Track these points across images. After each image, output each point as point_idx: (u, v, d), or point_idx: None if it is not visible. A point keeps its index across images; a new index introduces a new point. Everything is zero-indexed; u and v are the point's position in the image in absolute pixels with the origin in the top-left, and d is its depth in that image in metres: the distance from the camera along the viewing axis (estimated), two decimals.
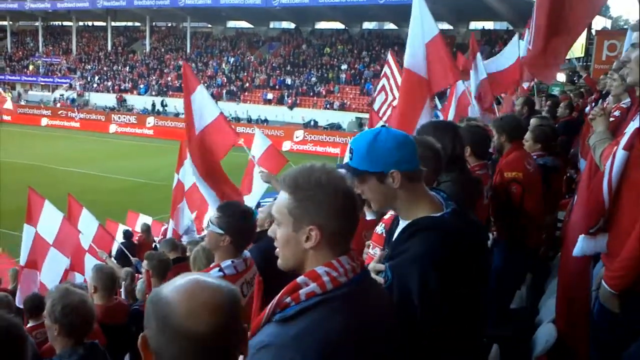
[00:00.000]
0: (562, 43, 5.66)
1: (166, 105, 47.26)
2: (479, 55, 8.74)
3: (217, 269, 3.23)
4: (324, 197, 1.72)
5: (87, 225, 9.34)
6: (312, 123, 42.31)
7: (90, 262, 8.33)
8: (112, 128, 45.03)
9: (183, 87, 7.84)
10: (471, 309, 2.13)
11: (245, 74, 49.95)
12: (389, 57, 12.34)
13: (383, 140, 2.09)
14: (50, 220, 8.34)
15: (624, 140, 2.64)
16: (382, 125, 2.59)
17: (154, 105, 48.39)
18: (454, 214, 2.12)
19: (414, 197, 2.13)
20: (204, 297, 1.33)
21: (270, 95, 46.59)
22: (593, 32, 21.86)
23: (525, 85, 10.20)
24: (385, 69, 12.02)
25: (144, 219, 14.59)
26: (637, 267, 2.53)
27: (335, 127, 41.17)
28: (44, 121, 47.50)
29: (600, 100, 7.50)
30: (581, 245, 2.85)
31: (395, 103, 10.50)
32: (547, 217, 5.36)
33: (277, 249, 1.83)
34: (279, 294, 1.70)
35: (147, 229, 12.10)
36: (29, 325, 5.17)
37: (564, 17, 5.44)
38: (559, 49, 5.64)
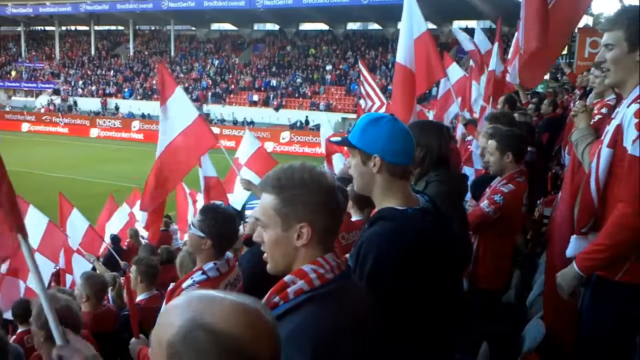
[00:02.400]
0: (552, 49, 5.54)
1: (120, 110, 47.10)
2: (496, 45, 8.80)
3: (200, 272, 3.22)
4: (310, 194, 1.73)
5: (77, 225, 9.30)
6: (297, 124, 42.35)
7: (77, 262, 8.29)
8: (97, 132, 44.78)
9: (160, 91, 7.56)
10: (439, 307, 2.16)
11: (230, 76, 49.83)
12: (360, 65, 12.54)
13: (382, 125, 2.16)
14: (34, 225, 8.23)
15: (607, 138, 2.66)
16: (392, 114, 2.61)
17: (103, 106, 48.57)
18: (421, 211, 2.16)
19: (390, 189, 2.19)
20: (262, 322, 1.21)
21: (255, 97, 46.51)
22: (575, 29, 21.97)
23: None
24: (361, 77, 12.21)
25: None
26: (614, 252, 2.57)
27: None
28: (28, 127, 47.10)
29: (583, 97, 7.57)
30: (574, 245, 2.86)
31: (374, 108, 10.72)
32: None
33: (265, 253, 1.83)
34: (267, 294, 1.71)
35: (134, 233, 12.02)
36: (19, 330, 5.12)
37: (553, 21, 5.36)
38: (549, 54, 5.52)
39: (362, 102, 12.45)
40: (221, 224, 3.25)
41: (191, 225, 3.32)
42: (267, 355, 1.18)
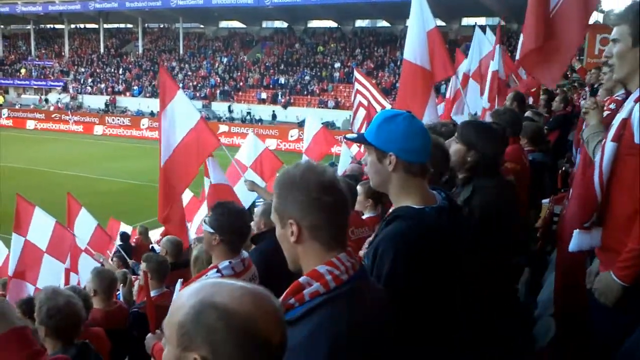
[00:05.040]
0: (561, 47, 5.37)
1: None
2: (498, 47, 8.77)
3: (215, 270, 3.20)
4: (297, 191, 1.76)
5: (85, 224, 9.28)
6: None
7: (85, 261, 8.27)
8: (106, 130, 44.90)
9: (160, 94, 7.47)
10: (448, 306, 2.15)
11: (239, 73, 49.87)
12: (356, 73, 12.42)
13: (398, 123, 2.14)
14: (42, 226, 8.16)
15: (611, 133, 2.65)
16: (408, 111, 2.55)
17: (112, 104, 49.20)
18: (438, 210, 2.14)
19: (407, 187, 2.17)
20: (271, 305, 1.23)
21: (264, 95, 46.53)
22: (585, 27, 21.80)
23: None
24: (357, 85, 12.10)
25: (124, 227, 14.17)
26: None
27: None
28: (37, 125, 47.23)
29: (593, 95, 7.51)
30: (576, 240, 2.84)
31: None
32: (532, 211, 5.45)
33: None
34: (283, 296, 1.71)
35: (144, 231, 12.07)
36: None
37: (565, 22, 5.27)
38: (559, 52, 5.34)
39: (357, 114, 12.16)
40: (229, 220, 3.24)
41: (203, 222, 3.34)
42: (276, 337, 1.20)
